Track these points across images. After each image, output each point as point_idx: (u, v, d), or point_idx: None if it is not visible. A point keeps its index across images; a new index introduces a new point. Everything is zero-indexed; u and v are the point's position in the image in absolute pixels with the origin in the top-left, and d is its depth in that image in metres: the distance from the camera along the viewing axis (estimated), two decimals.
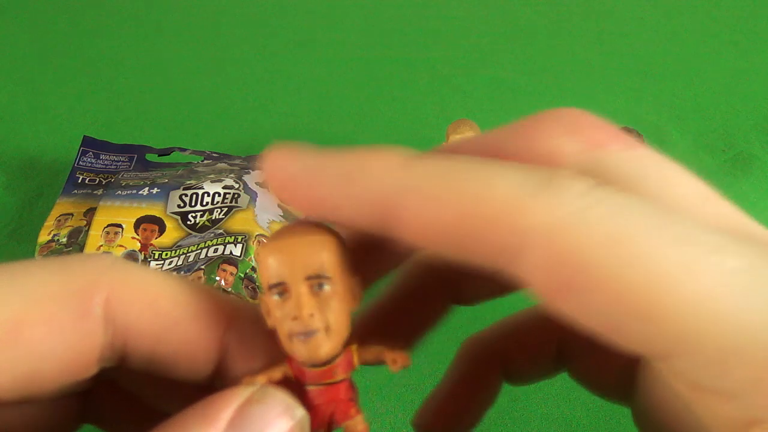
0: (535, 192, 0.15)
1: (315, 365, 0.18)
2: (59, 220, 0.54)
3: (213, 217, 0.53)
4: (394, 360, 0.18)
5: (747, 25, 0.84)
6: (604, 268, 0.14)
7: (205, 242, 0.50)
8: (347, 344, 0.18)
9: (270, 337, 0.18)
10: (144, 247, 0.51)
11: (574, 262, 0.14)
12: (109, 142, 0.61)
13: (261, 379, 0.18)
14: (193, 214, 0.53)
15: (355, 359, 0.18)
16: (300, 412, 0.17)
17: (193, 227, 0.52)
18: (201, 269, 0.47)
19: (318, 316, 0.17)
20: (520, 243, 0.15)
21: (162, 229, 0.52)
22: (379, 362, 0.19)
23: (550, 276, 0.15)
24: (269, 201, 0.54)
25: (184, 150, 0.61)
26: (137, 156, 0.61)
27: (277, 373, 0.19)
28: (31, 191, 0.62)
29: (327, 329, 0.17)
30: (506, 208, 0.15)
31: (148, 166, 0.60)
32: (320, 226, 0.18)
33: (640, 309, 0.14)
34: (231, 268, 0.48)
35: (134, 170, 0.59)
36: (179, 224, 0.52)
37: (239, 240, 0.50)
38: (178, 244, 0.51)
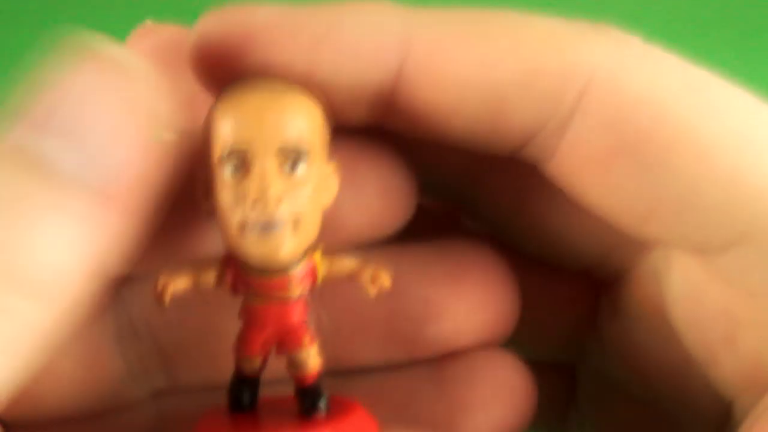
0: (586, 33, 0.13)
1: (266, 272, 0.13)
2: None
3: None
4: (374, 278, 0.14)
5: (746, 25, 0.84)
6: (685, 120, 0.13)
7: None
8: (310, 251, 0.14)
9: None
10: None
11: (646, 109, 0.13)
12: None
13: (182, 281, 0.14)
14: None
15: (319, 271, 0.14)
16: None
17: None
18: None
19: (287, 204, 0.13)
20: (577, 89, 0.13)
21: None
22: (350, 279, 0.14)
23: (613, 129, 0.13)
24: None
25: None
26: None
27: (207, 276, 0.14)
28: None
29: (295, 224, 0.13)
30: (559, 45, 0.13)
31: None
32: (294, 86, 0.13)
33: (724, 175, 0.12)
34: None
35: None
36: None
37: None
38: None
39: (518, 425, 0.16)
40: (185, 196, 0.14)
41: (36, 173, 0.11)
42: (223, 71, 0.13)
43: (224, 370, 0.16)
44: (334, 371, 0.15)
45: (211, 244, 0.15)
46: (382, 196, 0.15)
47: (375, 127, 0.15)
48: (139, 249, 0.14)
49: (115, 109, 0.11)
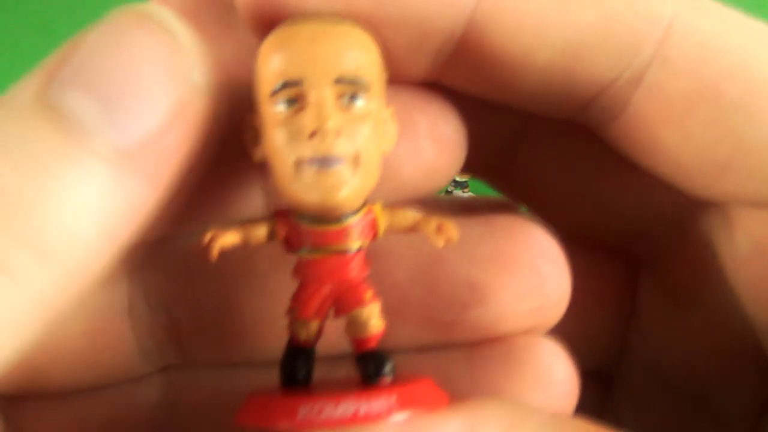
0: None
1: (323, 221, 0.12)
2: None
3: None
4: (440, 229, 0.13)
5: None
6: (763, 66, 0.13)
7: None
8: (369, 201, 0.13)
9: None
10: None
11: (725, 56, 0.13)
12: None
13: (231, 235, 0.13)
14: None
15: (380, 224, 0.13)
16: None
17: None
18: None
19: (346, 139, 0.12)
20: (657, 36, 0.13)
21: None
22: (413, 231, 0.13)
23: (694, 75, 0.13)
24: None
25: None
26: None
27: (258, 231, 0.13)
28: None
29: (355, 161, 0.12)
30: None
31: None
32: (348, 19, 0.13)
33: None
34: None
35: None
36: None
37: None
38: None
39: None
40: (212, 161, 0.13)
41: (59, 127, 0.10)
42: (279, 12, 0.13)
43: (237, 348, 0.15)
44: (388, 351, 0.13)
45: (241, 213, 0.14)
46: (436, 145, 0.14)
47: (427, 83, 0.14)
48: (159, 214, 0.13)
49: (150, 69, 0.11)
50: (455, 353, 0.15)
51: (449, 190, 0.35)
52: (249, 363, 0.15)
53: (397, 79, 0.14)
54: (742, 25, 0.13)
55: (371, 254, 0.14)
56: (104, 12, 0.11)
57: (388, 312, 0.14)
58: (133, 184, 0.10)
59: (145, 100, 0.10)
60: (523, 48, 0.13)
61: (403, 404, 0.11)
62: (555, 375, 0.15)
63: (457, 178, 0.35)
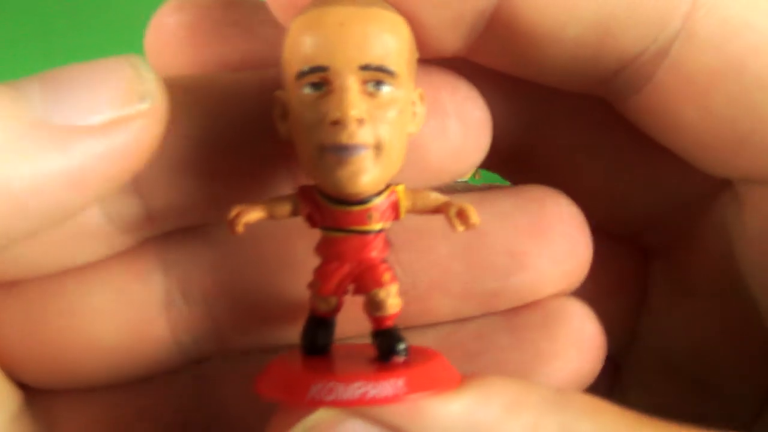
0: None
1: (345, 202, 0.12)
2: None
3: None
4: (461, 213, 0.13)
5: None
6: None
7: None
8: (392, 183, 0.13)
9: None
10: None
11: (749, 32, 0.13)
12: None
13: (256, 211, 0.13)
14: None
15: (402, 205, 0.13)
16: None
17: None
18: None
19: (369, 126, 0.12)
20: (683, 11, 0.13)
21: None
22: (435, 213, 0.13)
23: (718, 50, 0.13)
24: None
25: None
26: None
27: (282, 207, 0.13)
28: None
29: (378, 148, 0.12)
30: None
31: None
32: (380, 0, 0.12)
33: None
34: None
35: None
36: None
37: None
38: None
39: (590, 375, 0.16)
40: (237, 150, 0.14)
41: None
42: None
43: (274, 335, 0.15)
44: (401, 326, 0.14)
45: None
46: (464, 126, 0.14)
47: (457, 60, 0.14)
48: (190, 201, 0.14)
49: (103, 86, 0.11)
50: (495, 321, 0.16)
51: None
52: (286, 346, 0.15)
53: (428, 55, 0.13)
54: (766, 2, 0.13)
55: (414, 231, 0.14)
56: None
57: (430, 287, 0.15)
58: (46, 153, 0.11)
59: (88, 101, 0.11)
60: (554, 22, 0.13)
61: (412, 388, 0.12)
62: (587, 333, 0.16)
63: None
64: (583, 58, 0.14)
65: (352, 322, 0.13)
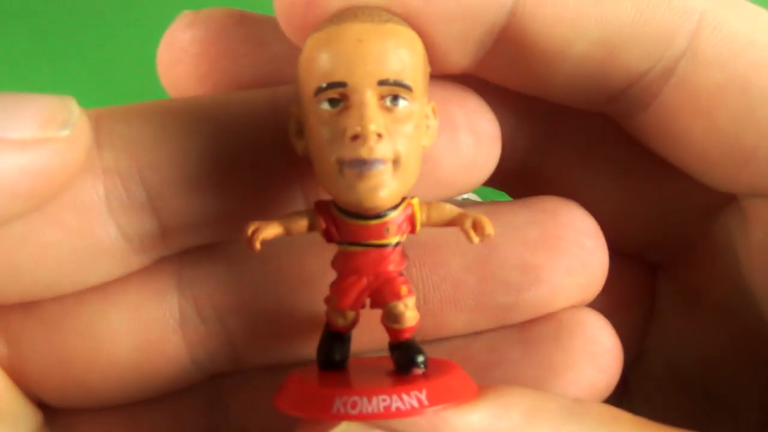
0: None
1: (362, 216, 0.13)
2: None
3: None
4: (476, 225, 0.13)
5: None
6: None
7: None
8: (407, 196, 0.13)
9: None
10: None
11: (753, 50, 0.13)
12: None
13: (273, 227, 0.13)
14: None
15: (418, 218, 0.13)
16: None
17: None
18: None
19: (387, 140, 0.12)
20: (689, 29, 0.13)
21: None
22: (450, 225, 0.13)
23: (723, 68, 0.13)
24: None
25: None
26: None
27: (299, 222, 0.13)
28: None
29: (396, 162, 0.12)
30: None
31: None
32: (395, 17, 0.13)
33: None
34: None
35: None
36: None
37: None
38: None
39: (607, 387, 0.15)
40: (254, 169, 0.14)
41: None
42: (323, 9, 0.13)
43: (290, 351, 0.15)
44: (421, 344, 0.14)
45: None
46: (475, 139, 0.14)
47: (467, 76, 0.14)
48: (204, 219, 0.14)
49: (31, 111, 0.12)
50: (508, 334, 0.16)
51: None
52: (301, 362, 0.15)
53: (438, 72, 0.14)
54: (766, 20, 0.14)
55: (425, 246, 0.14)
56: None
57: (442, 301, 0.15)
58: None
59: (14, 119, 0.12)
60: (561, 39, 0.13)
61: (434, 400, 0.12)
62: (602, 343, 0.15)
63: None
64: (589, 75, 0.14)
65: (365, 336, 0.14)
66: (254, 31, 0.15)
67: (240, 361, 0.15)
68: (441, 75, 0.14)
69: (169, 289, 0.15)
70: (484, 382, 0.14)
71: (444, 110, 0.14)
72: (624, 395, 0.19)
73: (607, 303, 0.17)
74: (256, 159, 0.14)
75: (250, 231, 0.13)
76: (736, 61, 0.13)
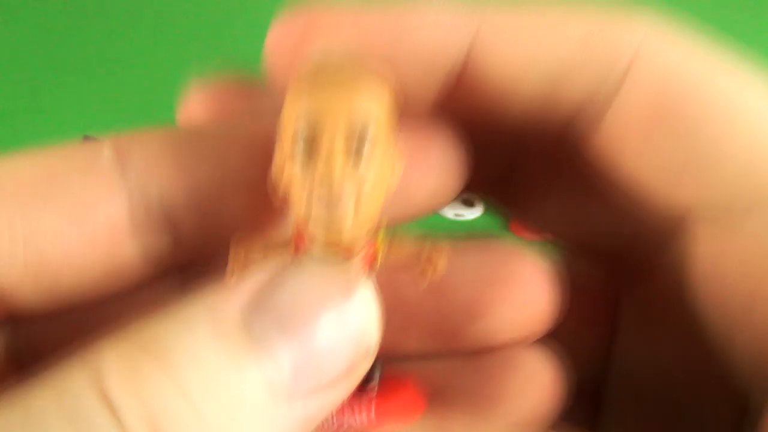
0: (631, 15, 0.15)
1: (332, 258, 0.14)
2: None
3: None
4: (429, 261, 0.14)
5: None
6: (716, 93, 0.14)
7: None
8: (373, 233, 0.14)
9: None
10: None
11: (683, 83, 0.14)
12: None
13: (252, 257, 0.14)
14: None
15: (380, 253, 0.14)
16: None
17: None
18: None
19: (350, 184, 0.13)
20: (625, 62, 0.14)
21: None
22: (410, 262, 0.15)
23: (655, 100, 0.14)
24: None
25: None
26: None
27: (276, 252, 0.14)
28: None
29: (358, 201, 0.13)
30: (608, 24, 0.14)
31: None
32: (366, 68, 0.14)
33: (747, 141, 0.14)
34: None
35: None
36: None
37: None
38: None
39: (545, 414, 0.17)
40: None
41: (252, 357, 0.11)
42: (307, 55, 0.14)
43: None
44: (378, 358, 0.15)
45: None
46: (442, 170, 0.16)
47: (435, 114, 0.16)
48: (215, 240, 0.15)
49: (333, 326, 0.12)
50: (457, 361, 0.17)
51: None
52: None
53: (407, 112, 0.15)
54: (702, 53, 0.15)
55: (387, 272, 0.16)
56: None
57: (399, 324, 0.17)
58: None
59: (330, 357, 0.12)
60: (511, 78, 0.15)
61: (382, 418, 0.13)
62: (540, 379, 0.17)
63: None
64: (541, 109, 0.15)
65: None
66: (254, 105, 0.17)
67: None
68: (409, 114, 0.15)
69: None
70: (434, 404, 0.16)
71: (409, 142, 0.15)
72: (593, 410, 0.20)
73: (571, 322, 0.18)
74: (264, 183, 0.15)
75: (234, 267, 0.14)
76: (667, 94, 0.14)
